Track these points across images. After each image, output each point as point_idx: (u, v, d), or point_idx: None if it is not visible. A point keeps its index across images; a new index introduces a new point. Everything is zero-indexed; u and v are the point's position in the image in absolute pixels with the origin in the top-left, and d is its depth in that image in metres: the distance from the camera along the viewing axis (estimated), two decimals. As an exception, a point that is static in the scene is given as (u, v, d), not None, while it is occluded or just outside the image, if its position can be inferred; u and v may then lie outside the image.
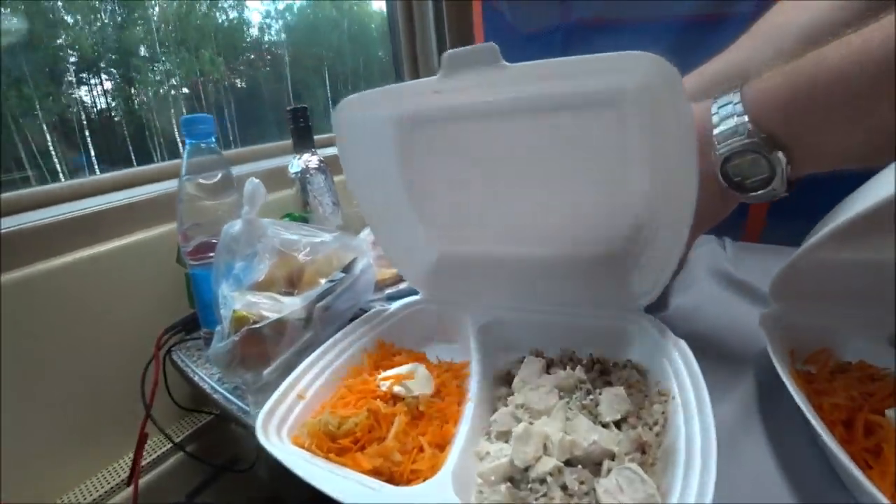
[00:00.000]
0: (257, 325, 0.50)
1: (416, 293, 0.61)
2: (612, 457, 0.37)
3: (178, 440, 0.81)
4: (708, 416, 0.36)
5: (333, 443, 0.38)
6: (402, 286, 0.68)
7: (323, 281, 0.58)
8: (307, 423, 0.39)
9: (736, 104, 0.43)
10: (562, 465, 0.35)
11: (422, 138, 0.53)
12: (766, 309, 0.51)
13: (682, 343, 0.45)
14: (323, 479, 0.33)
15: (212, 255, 0.60)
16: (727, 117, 0.43)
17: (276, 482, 0.93)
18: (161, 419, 0.84)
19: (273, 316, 0.51)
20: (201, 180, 0.61)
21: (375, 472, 0.36)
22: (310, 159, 0.82)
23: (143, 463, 0.79)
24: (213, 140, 0.63)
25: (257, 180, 0.57)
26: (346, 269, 0.59)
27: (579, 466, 0.36)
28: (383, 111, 0.52)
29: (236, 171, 0.66)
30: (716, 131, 0.44)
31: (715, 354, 0.42)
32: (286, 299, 0.55)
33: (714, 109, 0.45)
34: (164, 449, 0.80)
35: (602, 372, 0.48)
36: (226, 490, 0.90)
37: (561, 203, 0.53)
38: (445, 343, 0.58)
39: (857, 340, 0.48)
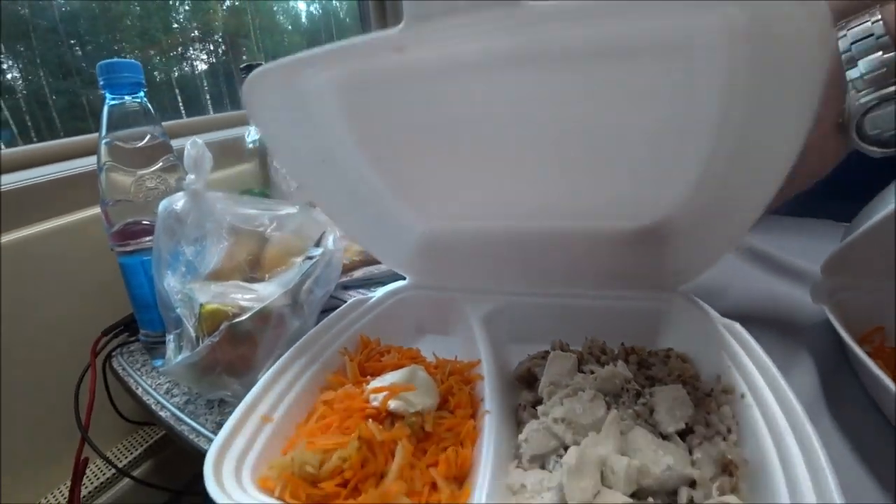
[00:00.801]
0: (239, 320, 0.40)
1: (398, 277, 0.51)
2: (692, 483, 0.27)
3: (124, 463, 0.69)
4: (800, 419, 0.28)
5: (315, 488, 0.27)
6: (374, 269, 0.58)
7: (298, 260, 0.47)
8: (276, 464, 0.28)
9: (881, 36, 0.33)
10: (632, 501, 0.26)
11: (380, 101, 0.39)
12: (813, 284, 0.44)
13: (737, 326, 0.37)
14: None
15: (145, 239, 0.48)
16: (867, 51, 0.34)
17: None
18: (108, 434, 0.73)
19: (256, 306, 0.41)
20: (123, 144, 0.48)
21: (376, 527, 0.26)
22: (268, 126, 0.70)
23: (90, 488, 0.67)
24: (142, 94, 0.50)
25: (199, 140, 0.45)
26: (318, 243, 0.48)
27: (650, 499, 0.27)
28: (317, 78, 0.37)
29: (181, 144, 0.53)
30: (852, 72, 0.34)
31: (759, 337, 0.34)
32: (258, 286, 0.45)
33: (845, 44, 0.35)
34: (109, 474, 0.69)
35: (640, 366, 0.39)
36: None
37: (582, 168, 0.42)
38: (441, 335, 0.49)
39: None
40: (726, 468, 0.28)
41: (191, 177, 0.46)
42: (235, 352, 0.40)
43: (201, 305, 0.41)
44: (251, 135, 0.70)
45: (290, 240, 0.49)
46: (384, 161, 0.44)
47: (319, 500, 0.27)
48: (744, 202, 0.35)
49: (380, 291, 0.48)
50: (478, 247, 0.48)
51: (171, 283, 0.44)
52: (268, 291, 0.43)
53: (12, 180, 0.64)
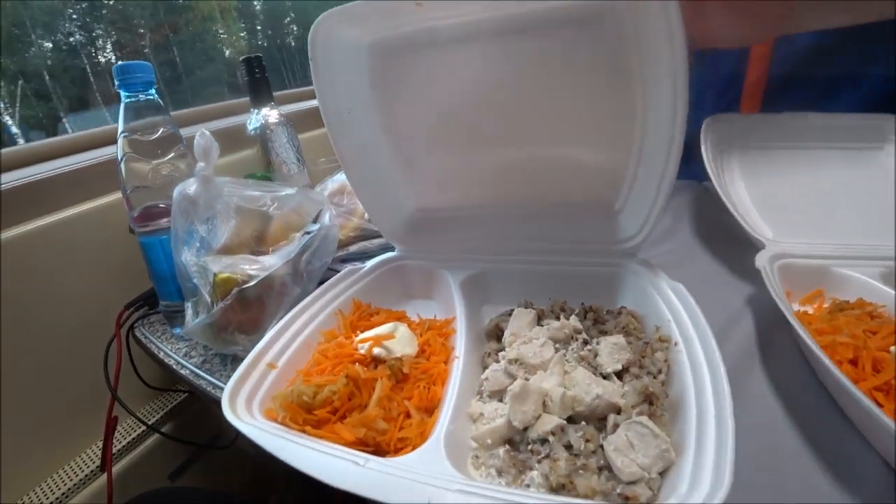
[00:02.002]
0: (247, 286, 0.46)
1: (389, 250, 0.57)
2: (618, 411, 0.33)
3: (152, 421, 0.76)
4: (717, 363, 0.33)
5: (309, 414, 0.34)
6: (368, 243, 0.64)
7: (297, 235, 0.53)
8: (278, 395, 0.35)
9: None
10: (564, 423, 0.32)
11: (397, 69, 0.47)
12: (758, 252, 0.49)
13: (680, 286, 0.43)
14: (300, 456, 0.29)
15: (162, 221, 0.54)
16: None
17: (261, 456, 0.89)
18: (132, 400, 0.80)
19: (261, 274, 0.47)
20: (140, 137, 0.54)
21: (359, 444, 0.32)
22: (269, 113, 0.76)
23: (118, 447, 0.75)
24: (154, 91, 0.55)
25: (207, 132, 0.51)
26: (316, 220, 0.54)
27: (583, 423, 0.33)
28: (358, 35, 0.46)
29: (188, 132, 0.59)
30: None
31: (709, 299, 0.40)
32: (263, 258, 0.51)
33: None
34: (138, 431, 0.76)
35: (596, 321, 0.45)
36: (209, 469, 0.86)
37: (545, 144, 0.49)
38: (425, 300, 0.55)
39: (849, 280, 0.47)
40: (648, 398, 0.34)
41: (201, 164, 0.52)
42: (245, 313, 0.47)
43: (214, 275, 0.47)
44: (252, 122, 0.76)
45: (290, 217, 0.55)
46: (391, 126, 0.51)
47: (313, 424, 0.33)
48: (660, 172, 0.42)
49: (371, 261, 0.54)
50: (458, 219, 0.54)
51: (187, 257, 0.50)
52: (271, 262, 0.49)
53: (36, 172, 0.71)
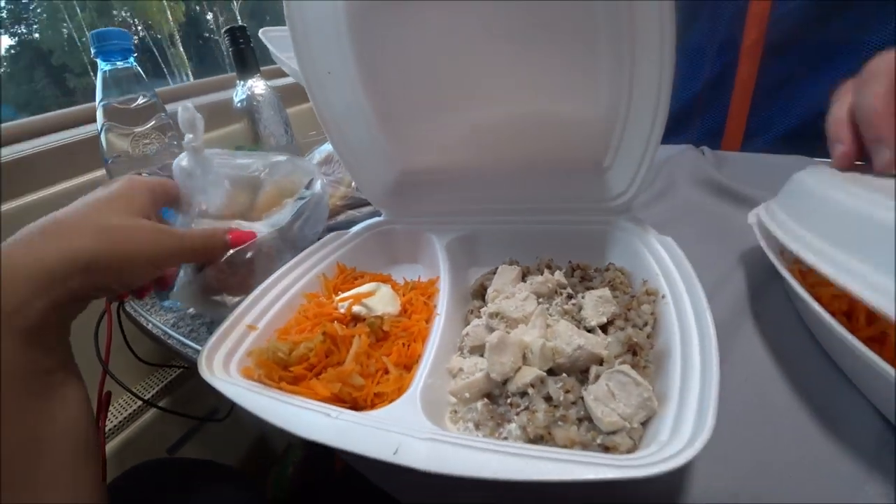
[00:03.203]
0: (235, 250, 0.45)
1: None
2: (601, 362, 0.33)
3: (148, 396, 0.77)
4: (704, 314, 0.32)
5: (285, 371, 0.33)
6: (356, 212, 0.63)
7: (290, 201, 0.52)
8: (254, 352, 0.34)
9: None
10: (544, 374, 0.31)
11: (377, 26, 0.45)
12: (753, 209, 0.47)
13: (669, 239, 0.42)
14: (272, 410, 0.29)
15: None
16: None
17: (259, 426, 0.90)
18: (127, 377, 0.80)
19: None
20: (119, 106, 0.53)
21: (335, 400, 0.32)
22: (255, 84, 0.74)
23: (114, 423, 0.75)
24: (132, 60, 0.54)
25: (189, 104, 0.49)
26: (308, 187, 0.53)
27: (564, 375, 0.32)
28: None
29: (173, 109, 0.58)
30: None
31: (701, 254, 0.39)
32: (256, 223, 0.49)
33: None
34: (134, 407, 0.76)
35: (583, 278, 0.44)
36: (208, 443, 0.87)
37: (531, 101, 0.47)
38: (411, 264, 0.54)
39: None
40: (632, 349, 0.33)
41: (189, 136, 0.50)
42: (234, 277, 0.45)
43: None
44: (238, 94, 0.74)
45: (282, 183, 0.53)
46: (372, 87, 0.49)
47: (289, 381, 0.33)
48: (646, 129, 0.41)
49: (357, 226, 0.53)
50: (443, 181, 0.53)
51: (179, 222, 0.49)
52: (262, 227, 0.48)
53: (15, 150, 0.70)
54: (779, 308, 0.42)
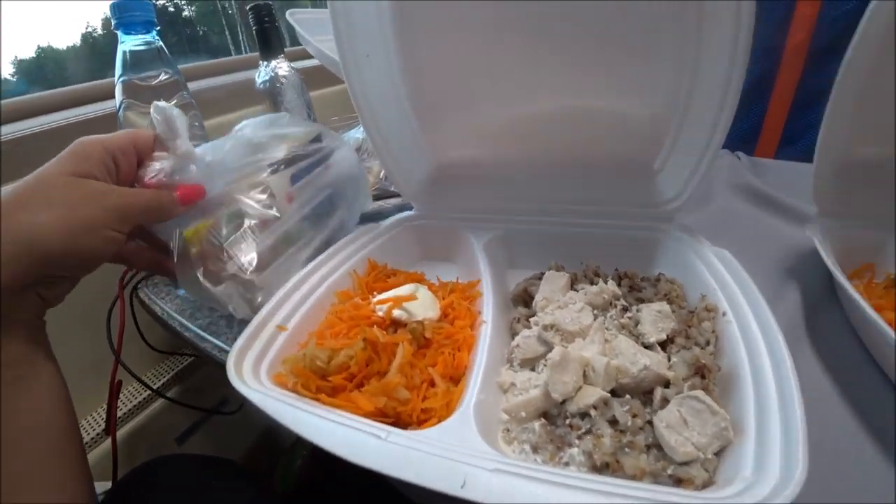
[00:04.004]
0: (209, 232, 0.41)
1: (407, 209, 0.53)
2: (666, 384, 0.30)
3: (157, 385, 0.74)
4: (774, 334, 0.30)
5: (323, 381, 0.31)
6: (384, 203, 0.59)
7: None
8: (289, 359, 0.32)
9: None
10: (608, 395, 0.29)
11: (422, 9, 0.42)
12: (810, 221, 0.45)
13: (726, 252, 0.39)
14: (314, 427, 0.26)
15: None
16: None
17: (269, 422, 0.88)
18: (137, 364, 0.77)
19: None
20: (140, 82, 0.50)
21: (378, 414, 0.29)
22: (279, 65, 0.71)
23: (123, 411, 0.73)
24: (155, 33, 0.51)
25: (161, 102, 0.41)
26: (312, 142, 0.49)
27: (627, 397, 0.29)
28: None
29: (195, 87, 0.54)
30: None
31: (751, 268, 0.36)
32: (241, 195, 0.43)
33: None
34: (144, 395, 0.74)
35: (631, 288, 0.41)
36: (216, 433, 0.85)
37: (581, 95, 0.44)
38: (444, 262, 0.51)
39: None
40: (699, 371, 0.30)
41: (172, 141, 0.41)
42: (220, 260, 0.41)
43: (180, 233, 0.41)
44: (261, 75, 0.71)
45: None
46: (412, 76, 0.46)
47: (328, 392, 0.30)
48: (706, 132, 0.39)
49: (388, 220, 0.50)
50: (481, 177, 0.50)
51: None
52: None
53: (28, 126, 0.67)
54: (836, 327, 0.40)
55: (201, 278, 0.40)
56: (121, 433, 0.71)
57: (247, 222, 0.42)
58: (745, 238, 0.53)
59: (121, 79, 0.50)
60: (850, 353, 0.37)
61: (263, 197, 0.43)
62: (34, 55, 1.01)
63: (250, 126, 0.47)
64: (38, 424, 0.29)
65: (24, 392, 0.29)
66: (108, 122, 0.61)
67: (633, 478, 0.26)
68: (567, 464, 0.27)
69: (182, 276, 0.42)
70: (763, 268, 0.47)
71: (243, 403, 0.76)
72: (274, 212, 0.43)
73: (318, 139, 0.50)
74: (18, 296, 0.30)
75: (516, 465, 0.23)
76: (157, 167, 0.39)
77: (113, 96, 0.52)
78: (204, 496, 0.52)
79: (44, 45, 1.03)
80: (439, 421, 0.28)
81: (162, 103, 0.40)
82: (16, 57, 0.96)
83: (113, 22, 0.49)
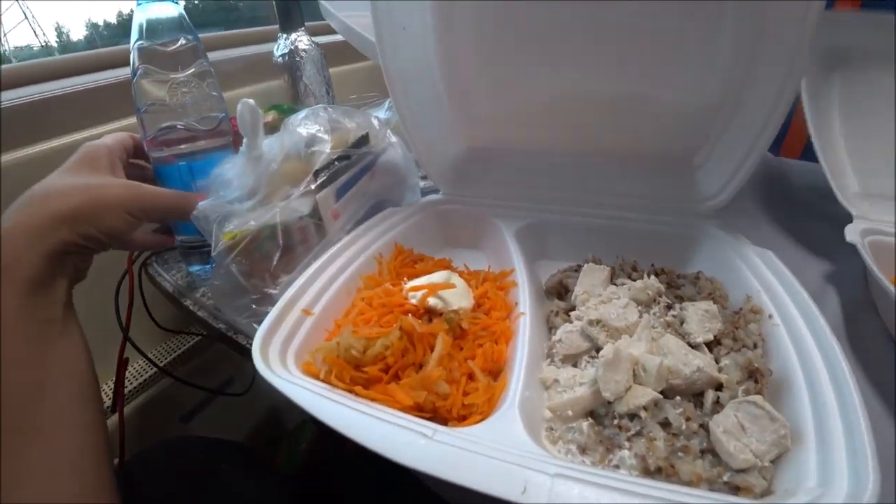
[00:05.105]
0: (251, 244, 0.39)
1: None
2: (719, 386, 0.29)
3: (163, 363, 0.73)
4: (828, 339, 0.29)
5: (358, 372, 0.29)
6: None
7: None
8: (321, 348, 0.30)
9: None
10: (660, 397, 0.27)
11: None
12: (851, 224, 0.44)
13: (769, 253, 0.38)
14: (353, 422, 0.25)
15: (182, 146, 0.48)
16: None
17: (276, 403, 0.87)
18: (144, 341, 0.76)
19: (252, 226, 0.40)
20: (158, 46, 0.47)
21: (417, 409, 0.28)
22: (299, 38, 0.68)
23: (129, 388, 0.72)
24: (177, -4, 0.48)
25: (250, 101, 0.42)
26: (357, 144, 0.47)
27: (678, 398, 0.28)
28: None
29: (213, 57, 0.52)
30: None
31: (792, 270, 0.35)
32: (282, 202, 0.43)
33: None
34: (150, 373, 0.73)
35: (669, 285, 0.40)
36: (222, 413, 0.84)
37: (622, 81, 0.42)
38: (471, 249, 0.49)
39: None
40: (752, 375, 0.29)
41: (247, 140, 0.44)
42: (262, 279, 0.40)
43: (222, 235, 0.40)
44: (280, 48, 0.68)
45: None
46: (449, 57, 0.45)
47: (362, 384, 0.29)
48: (756, 128, 0.37)
49: (413, 203, 0.48)
50: (513, 162, 0.48)
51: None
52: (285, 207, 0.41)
53: (40, 91, 0.64)
54: (876, 336, 0.39)
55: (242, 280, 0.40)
56: (126, 410, 0.70)
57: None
58: (778, 239, 0.51)
59: (137, 44, 0.47)
60: (888, 359, 0.36)
61: (307, 212, 0.41)
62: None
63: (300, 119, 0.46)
64: (68, 374, 0.34)
65: (59, 346, 0.34)
66: (123, 89, 0.59)
67: (689, 483, 0.24)
68: (617, 466, 0.26)
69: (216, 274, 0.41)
70: (798, 270, 0.45)
71: (251, 385, 0.76)
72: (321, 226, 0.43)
73: (364, 139, 0.48)
74: (62, 262, 0.35)
75: (576, 470, 0.22)
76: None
77: (128, 63, 0.50)
78: (210, 479, 0.51)
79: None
80: (482, 418, 0.27)
81: (250, 101, 0.43)
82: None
83: (133, -17, 0.47)
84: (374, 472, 0.58)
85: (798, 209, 0.56)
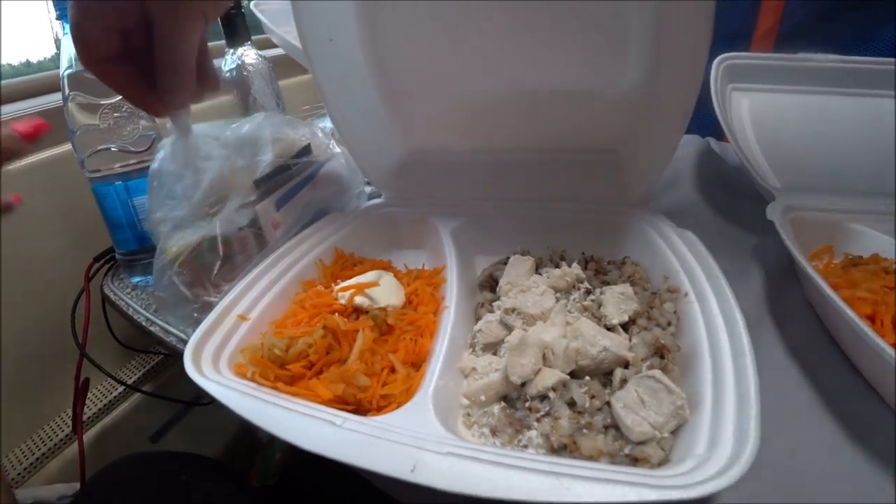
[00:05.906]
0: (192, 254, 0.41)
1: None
2: (626, 364, 0.30)
3: (130, 381, 0.73)
4: (733, 313, 0.30)
5: (282, 369, 0.30)
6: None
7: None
8: (247, 348, 0.31)
9: None
10: (567, 377, 0.29)
11: None
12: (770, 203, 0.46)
13: (689, 234, 0.40)
14: (270, 416, 0.26)
15: (115, 166, 0.49)
16: None
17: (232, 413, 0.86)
18: (109, 362, 0.75)
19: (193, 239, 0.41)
20: (87, 74, 0.48)
21: (338, 402, 0.29)
22: (246, 53, 0.69)
23: (94, 409, 0.71)
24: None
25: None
26: (299, 155, 0.48)
27: (587, 378, 0.30)
28: None
29: None
30: None
31: (714, 250, 0.36)
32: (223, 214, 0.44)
33: None
34: (115, 393, 0.73)
35: (597, 271, 0.42)
36: (192, 430, 0.83)
37: (548, 81, 0.44)
38: (413, 250, 0.50)
39: (862, 235, 0.44)
40: (658, 351, 0.31)
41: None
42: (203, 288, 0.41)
43: (165, 251, 0.41)
44: (227, 63, 0.69)
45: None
46: (378, 60, 0.46)
47: (286, 381, 0.30)
48: (671, 122, 0.39)
49: (355, 208, 0.50)
50: (449, 163, 0.50)
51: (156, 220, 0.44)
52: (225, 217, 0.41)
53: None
54: (798, 309, 0.41)
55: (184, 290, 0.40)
56: (92, 432, 0.70)
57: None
58: (707, 220, 0.53)
59: (67, 72, 0.48)
60: (812, 335, 0.38)
61: (247, 223, 0.42)
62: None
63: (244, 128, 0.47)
64: None
65: None
66: (54, 117, 0.59)
67: (590, 458, 0.26)
68: (525, 446, 0.27)
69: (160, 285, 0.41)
70: (728, 250, 0.47)
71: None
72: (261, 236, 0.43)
73: (307, 150, 0.49)
74: None
75: (469, 448, 0.23)
76: None
77: (58, 89, 0.51)
78: (177, 493, 0.51)
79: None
80: (398, 407, 0.28)
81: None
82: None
83: (56, 11, 0.47)
84: (351, 482, 0.58)
85: (735, 190, 0.58)
